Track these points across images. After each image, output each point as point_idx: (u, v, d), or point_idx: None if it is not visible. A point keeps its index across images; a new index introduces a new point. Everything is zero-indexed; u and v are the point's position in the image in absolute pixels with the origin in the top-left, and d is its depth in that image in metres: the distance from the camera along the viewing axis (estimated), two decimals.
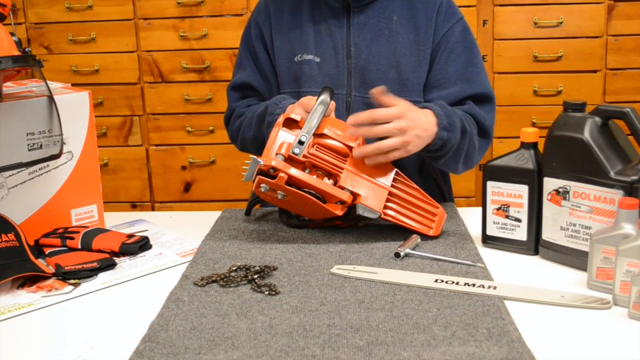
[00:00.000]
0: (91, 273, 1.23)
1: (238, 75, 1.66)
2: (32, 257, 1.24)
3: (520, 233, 1.27)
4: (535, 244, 1.27)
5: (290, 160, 1.30)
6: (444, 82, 1.55)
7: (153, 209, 2.95)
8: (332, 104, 1.37)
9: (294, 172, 1.27)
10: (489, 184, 1.29)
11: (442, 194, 1.66)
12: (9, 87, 1.40)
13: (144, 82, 2.86)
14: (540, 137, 1.25)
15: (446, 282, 1.13)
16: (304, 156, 1.30)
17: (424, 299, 1.09)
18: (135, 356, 0.94)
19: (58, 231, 1.36)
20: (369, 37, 1.54)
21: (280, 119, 1.34)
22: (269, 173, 1.28)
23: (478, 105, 1.54)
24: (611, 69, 2.73)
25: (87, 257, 1.27)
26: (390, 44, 1.54)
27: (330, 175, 1.33)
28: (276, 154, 1.29)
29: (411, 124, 1.31)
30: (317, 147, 1.32)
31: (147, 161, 2.92)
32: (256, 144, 1.58)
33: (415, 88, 1.55)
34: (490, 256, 1.27)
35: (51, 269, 1.23)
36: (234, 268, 1.20)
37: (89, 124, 1.41)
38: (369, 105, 1.54)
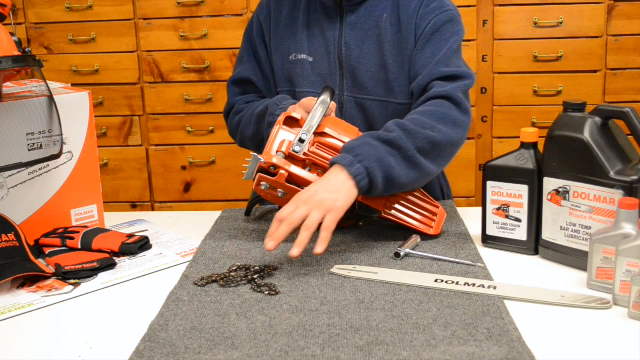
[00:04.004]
0: (91, 273, 1.23)
1: (239, 69, 1.66)
2: (32, 257, 1.24)
3: (520, 233, 1.27)
4: (535, 244, 1.27)
5: (290, 158, 1.30)
6: (418, 71, 1.46)
7: (153, 209, 2.95)
8: (333, 104, 1.37)
9: (295, 169, 1.27)
10: (489, 184, 1.29)
11: (441, 189, 1.66)
12: (9, 87, 1.40)
13: (144, 82, 2.86)
14: (540, 137, 1.25)
15: (446, 282, 1.13)
16: (305, 154, 1.30)
17: (424, 299, 1.09)
18: (135, 356, 0.94)
19: (58, 231, 1.36)
20: (360, 36, 1.52)
21: (281, 118, 1.34)
22: (269, 171, 1.28)
23: (447, 83, 1.41)
24: (611, 69, 2.73)
25: (87, 257, 1.27)
26: (379, 44, 1.51)
27: None
28: (277, 152, 1.30)
29: (308, 193, 1.22)
30: (317, 145, 1.32)
31: (147, 161, 2.92)
32: (255, 141, 1.58)
33: (402, 90, 1.50)
34: (490, 256, 1.27)
35: (51, 269, 1.23)
36: (234, 268, 1.20)
37: (89, 124, 1.41)
38: (362, 105, 1.54)
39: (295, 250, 1.16)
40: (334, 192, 1.21)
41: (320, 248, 1.17)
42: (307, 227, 1.17)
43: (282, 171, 1.27)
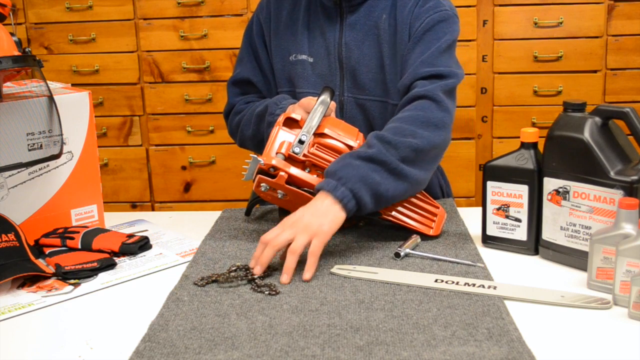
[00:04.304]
0: (91, 273, 1.23)
1: (238, 70, 1.66)
2: (32, 257, 1.24)
3: (520, 233, 1.27)
4: (535, 244, 1.27)
5: (290, 159, 1.30)
6: (407, 69, 1.45)
7: (153, 209, 2.95)
8: (333, 104, 1.37)
9: (294, 171, 1.27)
10: (489, 184, 1.29)
11: (440, 188, 1.66)
12: (9, 87, 1.40)
13: (144, 82, 2.86)
14: (540, 137, 1.25)
15: (446, 282, 1.13)
16: (304, 155, 1.30)
17: (424, 299, 1.09)
18: (135, 356, 0.94)
19: (58, 231, 1.36)
20: (359, 37, 1.52)
21: (281, 119, 1.34)
22: (269, 172, 1.28)
23: (429, 81, 1.40)
24: (611, 69, 2.73)
25: (87, 257, 1.27)
26: (378, 44, 1.51)
27: None
28: (276, 153, 1.30)
29: (294, 217, 1.21)
30: (317, 146, 1.32)
31: (147, 161, 2.92)
32: (255, 141, 1.58)
33: (396, 90, 1.49)
34: (490, 256, 1.27)
35: (51, 269, 1.23)
36: (234, 268, 1.20)
37: (89, 124, 1.41)
38: (362, 106, 1.54)
39: (285, 277, 1.16)
40: (319, 217, 1.20)
41: (308, 274, 1.17)
42: (293, 251, 1.17)
43: (281, 173, 1.27)
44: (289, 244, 1.18)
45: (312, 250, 1.18)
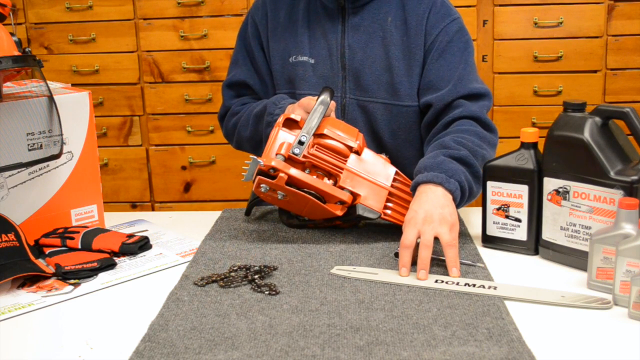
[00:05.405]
0: (91, 273, 1.23)
1: (233, 72, 1.65)
2: (32, 257, 1.24)
3: (520, 233, 1.27)
4: (535, 244, 1.27)
5: (290, 160, 1.30)
6: (437, 82, 1.49)
7: (153, 209, 2.95)
8: (333, 104, 1.37)
9: (294, 172, 1.27)
10: (489, 184, 1.29)
11: None
12: (9, 87, 1.40)
13: (144, 82, 2.86)
14: (540, 137, 1.25)
15: (446, 282, 1.13)
16: (304, 156, 1.30)
17: (424, 299, 1.09)
18: (135, 356, 0.94)
19: (58, 231, 1.36)
20: (364, 39, 1.52)
21: (280, 119, 1.34)
22: (269, 173, 1.28)
23: (471, 102, 1.48)
24: (611, 69, 2.73)
25: (87, 257, 1.27)
26: (384, 46, 1.51)
27: (330, 175, 1.33)
28: (276, 154, 1.29)
29: (420, 214, 1.22)
30: (317, 147, 1.32)
31: (147, 161, 2.92)
32: (253, 143, 1.57)
33: (408, 92, 1.51)
34: (490, 256, 1.27)
35: (51, 269, 1.23)
36: (234, 268, 1.20)
37: (89, 124, 1.41)
38: (364, 107, 1.54)
39: (423, 273, 1.16)
40: (444, 207, 1.24)
41: (455, 270, 1.18)
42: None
43: (281, 174, 1.26)
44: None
45: (454, 243, 1.20)
